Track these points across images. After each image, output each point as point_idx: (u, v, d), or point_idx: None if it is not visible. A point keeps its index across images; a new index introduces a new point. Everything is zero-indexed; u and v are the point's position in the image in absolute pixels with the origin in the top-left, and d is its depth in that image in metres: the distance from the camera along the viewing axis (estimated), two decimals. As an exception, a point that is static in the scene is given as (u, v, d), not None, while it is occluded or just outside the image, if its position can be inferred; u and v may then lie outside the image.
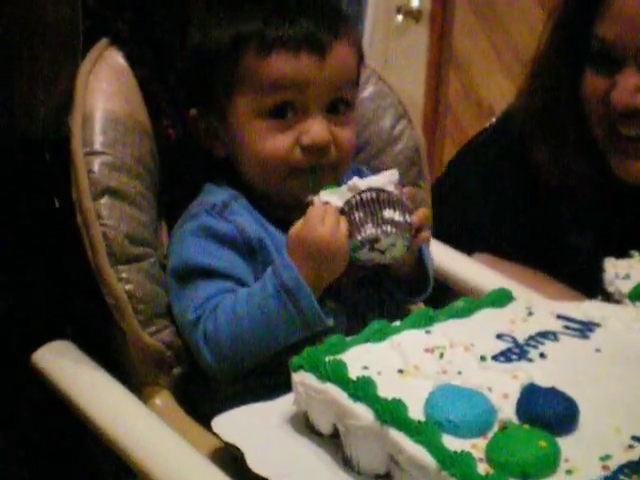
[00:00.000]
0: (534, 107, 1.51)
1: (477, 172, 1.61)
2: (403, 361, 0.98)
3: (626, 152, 1.42)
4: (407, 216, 1.12)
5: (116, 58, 1.22)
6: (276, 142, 1.16)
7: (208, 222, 1.16)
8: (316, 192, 1.14)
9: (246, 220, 1.16)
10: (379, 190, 1.12)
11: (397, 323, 1.06)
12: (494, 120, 1.68)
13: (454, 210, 1.58)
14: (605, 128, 1.43)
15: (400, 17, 3.16)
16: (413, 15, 3.14)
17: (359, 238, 1.10)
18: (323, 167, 1.17)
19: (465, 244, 1.51)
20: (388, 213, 1.10)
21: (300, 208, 1.14)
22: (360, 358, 0.98)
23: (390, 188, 1.13)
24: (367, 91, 1.41)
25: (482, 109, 3.05)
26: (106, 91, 1.18)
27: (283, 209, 1.19)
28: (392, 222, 1.10)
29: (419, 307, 1.29)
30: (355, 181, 1.12)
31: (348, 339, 1.02)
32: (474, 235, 1.55)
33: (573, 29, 1.44)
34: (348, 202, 1.11)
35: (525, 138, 1.53)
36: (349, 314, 1.18)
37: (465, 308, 1.12)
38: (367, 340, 1.02)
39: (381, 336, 1.03)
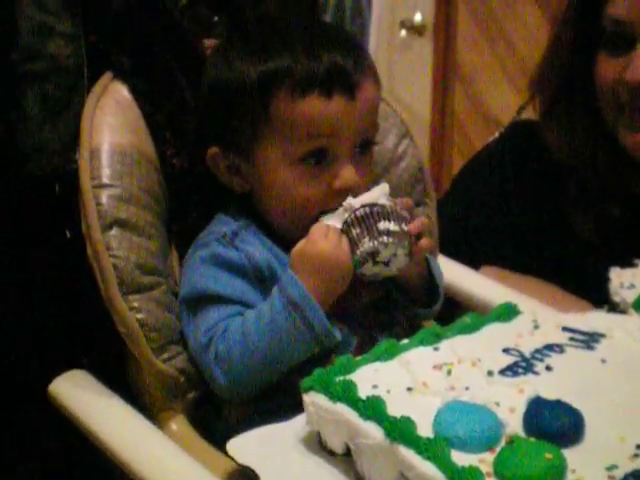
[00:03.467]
0: (547, 90, 1.53)
1: (481, 187, 1.63)
2: (412, 379, 0.99)
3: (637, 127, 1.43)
4: (403, 225, 1.14)
5: (120, 91, 1.24)
6: (310, 189, 1.16)
7: (218, 251, 1.17)
8: None
9: (256, 248, 1.18)
10: (372, 205, 1.14)
11: (405, 341, 1.08)
12: (497, 134, 1.70)
13: (460, 225, 1.60)
14: (616, 109, 1.44)
15: (404, 32, 3.17)
16: (417, 29, 3.15)
17: (359, 253, 1.12)
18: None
19: (472, 258, 1.52)
20: (383, 225, 1.12)
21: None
22: (369, 377, 0.99)
23: (382, 201, 1.15)
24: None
25: (488, 120, 3.06)
26: (112, 124, 1.21)
27: (295, 232, 1.20)
28: (388, 232, 1.12)
29: (429, 324, 1.30)
30: (349, 201, 1.14)
31: (357, 359, 1.03)
32: (481, 249, 1.56)
33: (584, 13, 1.45)
34: (345, 222, 1.14)
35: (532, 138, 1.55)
36: (360, 337, 1.19)
37: (472, 323, 1.13)
38: (376, 359, 1.03)
39: (390, 355, 1.04)
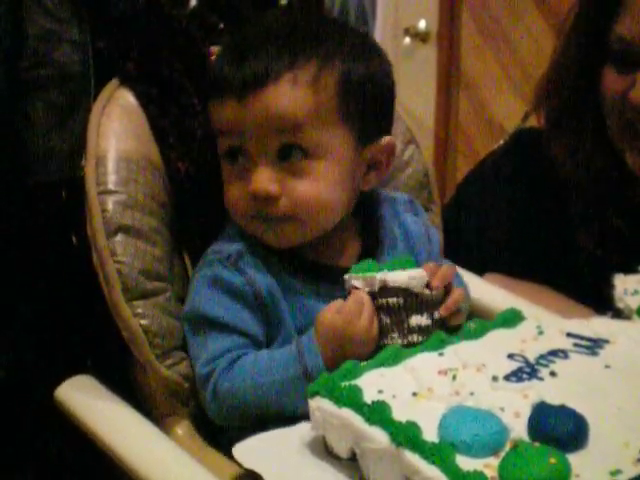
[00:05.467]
0: (552, 103, 1.53)
1: (485, 194, 1.63)
2: (417, 384, 1.00)
3: None
4: (436, 313, 1.13)
5: (126, 97, 1.25)
6: (232, 188, 1.17)
7: (221, 273, 1.16)
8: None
9: (258, 270, 1.16)
10: (406, 293, 1.11)
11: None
12: (502, 142, 1.70)
13: (464, 232, 1.60)
14: (622, 125, 1.44)
15: (408, 39, 3.18)
16: (421, 37, 3.16)
17: (386, 342, 1.11)
18: (275, 218, 1.15)
19: (476, 265, 1.52)
20: (414, 320, 1.11)
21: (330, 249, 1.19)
22: (375, 382, 0.99)
23: (418, 289, 1.12)
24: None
25: (493, 127, 3.07)
26: (118, 131, 1.22)
27: (309, 250, 1.21)
28: (419, 329, 1.12)
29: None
30: (384, 276, 1.11)
31: (362, 364, 1.03)
32: (484, 256, 1.57)
33: (592, 28, 1.45)
34: (376, 303, 1.11)
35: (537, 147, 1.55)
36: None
37: (477, 329, 1.13)
38: (381, 364, 1.04)
39: (395, 360, 1.04)
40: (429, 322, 1.12)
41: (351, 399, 0.95)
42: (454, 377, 1.01)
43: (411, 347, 1.09)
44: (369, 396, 0.95)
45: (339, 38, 1.17)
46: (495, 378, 1.01)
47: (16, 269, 1.30)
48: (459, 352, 1.07)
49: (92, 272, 1.20)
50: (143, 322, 1.17)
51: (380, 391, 0.97)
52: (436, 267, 1.17)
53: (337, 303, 1.11)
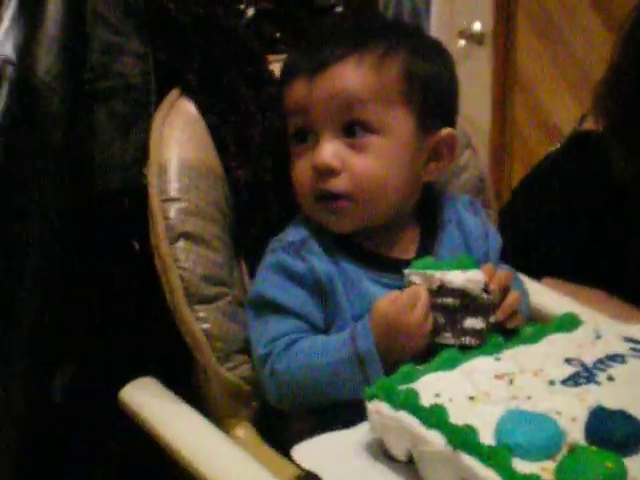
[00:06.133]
0: (612, 107, 1.53)
1: (541, 198, 1.63)
2: (474, 388, 1.01)
3: None
4: (491, 318, 1.14)
5: (187, 107, 1.28)
6: (299, 166, 1.22)
7: (284, 259, 1.20)
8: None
9: (320, 259, 1.19)
10: (463, 295, 1.12)
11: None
12: (558, 145, 1.70)
13: (521, 236, 1.60)
14: None
15: (463, 41, 3.17)
16: (475, 39, 3.15)
17: (437, 341, 1.13)
18: (336, 196, 1.18)
19: (533, 269, 1.52)
20: (469, 322, 1.12)
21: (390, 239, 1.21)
22: (432, 386, 1.01)
23: (476, 292, 1.12)
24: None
25: (549, 129, 3.05)
26: (179, 140, 1.24)
27: (371, 240, 1.23)
28: (472, 332, 1.12)
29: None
30: (442, 276, 1.12)
31: (420, 368, 1.05)
32: (541, 260, 1.57)
33: None
34: (432, 301, 1.12)
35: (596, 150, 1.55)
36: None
37: (534, 334, 1.14)
38: (438, 368, 1.05)
39: (452, 364, 1.06)
40: (483, 325, 1.13)
41: (408, 402, 0.96)
42: (511, 381, 1.02)
43: (464, 349, 1.10)
44: (426, 400, 0.96)
45: (404, 33, 1.24)
46: (552, 382, 1.02)
47: (81, 275, 1.33)
48: (516, 356, 1.08)
49: (154, 277, 1.23)
50: (205, 326, 1.20)
51: (437, 395, 0.99)
52: (494, 270, 1.18)
53: (394, 293, 1.13)
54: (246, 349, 1.22)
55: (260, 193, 1.30)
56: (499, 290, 1.16)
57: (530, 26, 3.07)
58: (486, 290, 1.14)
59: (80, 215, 1.27)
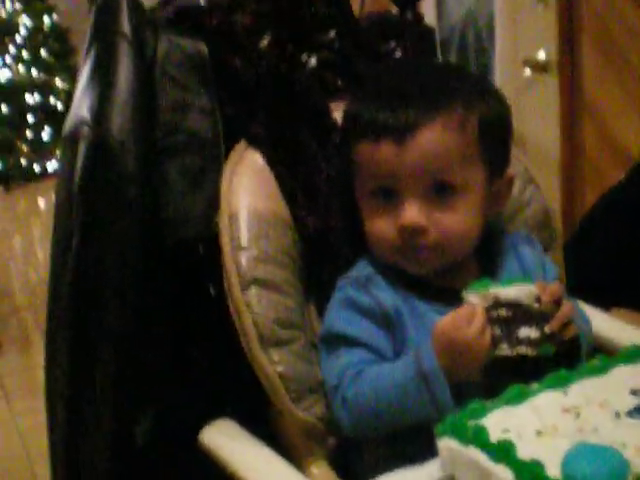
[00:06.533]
0: None
1: (607, 228, 1.64)
2: (541, 422, 1.03)
3: None
4: (546, 328, 1.17)
5: (255, 158, 1.33)
6: (379, 222, 1.24)
7: (352, 294, 1.25)
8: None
9: (386, 293, 1.24)
10: (516, 306, 1.16)
11: (535, 385, 1.12)
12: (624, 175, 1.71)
13: (588, 267, 1.61)
14: None
15: (528, 70, 3.18)
16: (541, 67, 3.16)
17: (495, 354, 1.16)
18: (423, 247, 1.22)
19: (601, 300, 1.53)
20: (523, 332, 1.16)
21: (453, 275, 1.24)
22: (500, 422, 1.03)
23: (528, 302, 1.16)
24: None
25: (619, 155, 3.03)
26: (248, 190, 1.30)
27: (434, 275, 1.27)
28: (527, 341, 1.16)
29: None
30: (496, 290, 1.17)
31: (488, 403, 1.07)
32: (610, 290, 1.57)
33: None
34: (488, 314, 1.16)
35: None
36: (490, 384, 1.19)
37: (600, 366, 1.15)
38: (506, 404, 1.07)
39: (520, 399, 1.08)
40: (538, 335, 1.16)
41: (477, 438, 0.99)
42: (577, 414, 1.04)
43: (523, 364, 1.15)
44: (495, 435, 0.99)
45: (470, 83, 1.27)
46: (617, 414, 1.03)
47: (159, 321, 1.38)
48: (583, 389, 1.10)
49: (230, 321, 1.28)
50: (279, 369, 1.24)
51: (505, 430, 1.01)
52: (546, 284, 1.22)
53: (452, 312, 1.17)
54: (319, 389, 1.26)
55: (328, 239, 1.34)
56: (552, 301, 1.19)
57: (595, 51, 3.06)
58: (538, 301, 1.17)
59: (157, 264, 1.32)
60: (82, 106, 1.28)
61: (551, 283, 1.24)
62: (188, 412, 1.39)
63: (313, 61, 1.44)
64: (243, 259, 1.26)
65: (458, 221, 1.22)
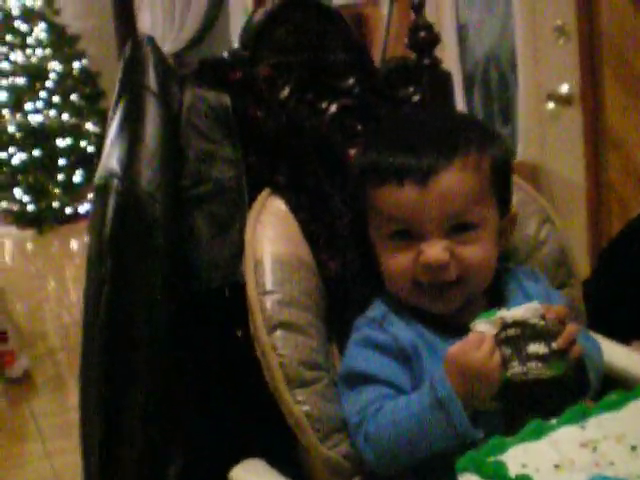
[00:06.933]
0: None
1: (624, 263, 1.66)
2: (559, 456, 1.05)
3: None
4: (553, 344, 1.20)
5: (277, 205, 1.39)
6: (399, 261, 1.28)
7: (368, 333, 1.30)
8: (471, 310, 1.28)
9: (401, 330, 1.29)
10: (524, 324, 1.20)
11: (553, 421, 1.14)
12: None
13: (606, 301, 1.63)
14: None
15: (551, 104, 3.21)
16: (564, 100, 3.19)
17: (508, 375, 1.19)
18: (445, 284, 1.27)
19: (621, 333, 1.55)
20: (532, 348, 1.19)
21: (464, 309, 1.28)
22: (519, 457, 1.06)
23: (534, 320, 1.20)
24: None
25: (645, 185, 3.05)
26: (271, 236, 1.35)
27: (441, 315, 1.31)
28: (537, 357, 1.19)
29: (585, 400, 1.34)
30: (502, 314, 1.21)
31: (507, 439, 1.10)
32: (630, 324, 1.59)
33: None
34: (497, 337, 1.20)
35: None
36: (507, 413, 1.25)
37: (618, 400, 1.17)
38: (525, 439, 1.10)
39: (538, 435, 1.10)
40: (547, 350, 1.19)
41: (497, 474, 1.02)
42: (595, 448, 1.06)
43: (533, 371, 1.18)
44: (514, 470, 1.02)
45: (480, 129, 1.34)
46: (634, 448, 1.05)
47: (186, 363, 1.41)
48: (600, 424, 1.12)
49: (257, 363, 1.32)
50: (305, 408, 1.28)
51: (524, 465, 1.04)
52: (551, 305, 1.26)
53: (462, 340, 1.22)
54: (344, 428, 1.30)
55: (349, 281, 1.38)
56: (557, 320, 1.22)
57: (617, 83, 3.08)
58: (544, 318, 1.21)
59: (185, 309, 1.36)
60: (112, 158, 1.33)
61: (555, 305, 1.28)
62: (217, 452, 1.43)
63: (333, 108, 1.49)
64: (268, 303, 1.30)
65: (477, 255, 1.27)
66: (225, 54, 1.43)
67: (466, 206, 1.26)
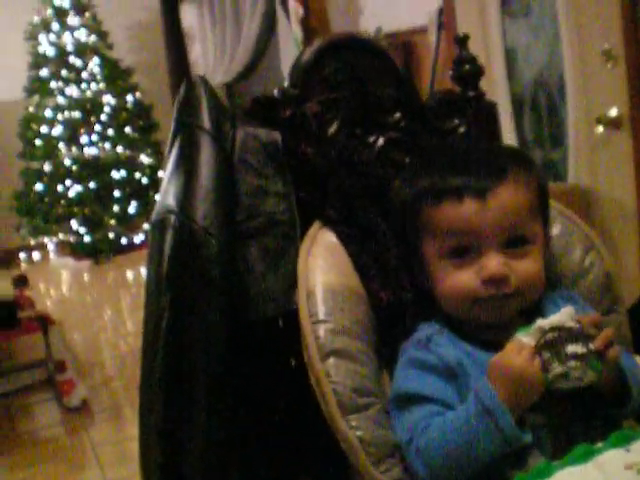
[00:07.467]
0: None
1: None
2: (604, 478, 1.09)
3: None
4: (590, 344, 1.24)
5: (328, 237, 1.44)
6: (458, 278, 1.33)
7: (415, 354, 1.35)
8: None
9: (446, 349, 1.33)
10: (560, 328, 1.25)
11: (599, 445, 1.17)
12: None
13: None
14: None
15: (601, 127, 3.22)
16: (613, 124, 3.19)
17: (550, 376, 1.23)
18: (505, 295, 1.32)
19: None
20: (571, 348, 1.24)
21: (505, 329, 1.31)
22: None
23: (570, 324, 1.26)
24: (555, 229, 1.53)
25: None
26: (323, 267, 1.40)
27: (489, 332, 1.35)
28: (576, 356, 1.23)
29: (630, 422, 1.37)
30: (540, 323, 1.26)
31: (554, 463, 1.14)
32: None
33: None
34: (537, 344, 1.25)
35: None
36: (553, 426, 1.28)
37: (663, 423, 1.21)
38: (572, 463, 1.13)
39: (585, 458, 1.14)
40: (585, 350, 1.24)
41: (544, 496, 1.05)
42: (638, 471, 1.09)
43: (573, 372, 1.23)
44: (560, 493, 1.05)
45: (521, 154, 1.45)
46: (677, 469, 1.09)
47: (243, 392, 1.45)
48: (645, 446, 1.16)
49: (310, 390, 1.36)
50: (358, 434, 1.31)
51: (570, 488, 1.08)
52: (585, 312, 1.34)
53: (502, 350, 1.27)
54: (396, 452, 1.33)
55: (400, 310, 1.43)
56: (591, 323, 1.28)
57: (667, 107, 3.09)
58: (579, 322, 1.27)
59: (241, 339, 1.41)
60: (168, 195, 1.39)
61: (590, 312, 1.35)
62: (272, 476, 1.47)
63: (381, 141, 1.53)
64: (321, 332, 1.35)
65: (532, 267, 1.33)
66: (275, 92, 1.49)
67: (521, 220, 1.33)
